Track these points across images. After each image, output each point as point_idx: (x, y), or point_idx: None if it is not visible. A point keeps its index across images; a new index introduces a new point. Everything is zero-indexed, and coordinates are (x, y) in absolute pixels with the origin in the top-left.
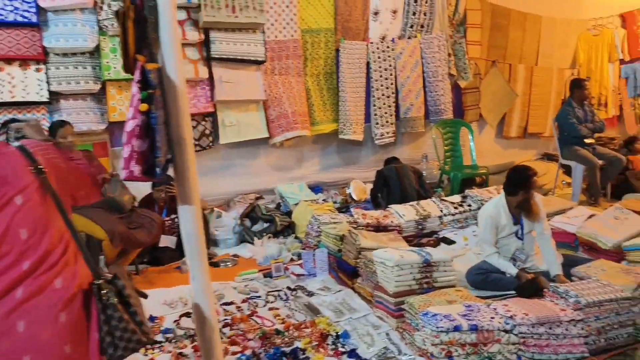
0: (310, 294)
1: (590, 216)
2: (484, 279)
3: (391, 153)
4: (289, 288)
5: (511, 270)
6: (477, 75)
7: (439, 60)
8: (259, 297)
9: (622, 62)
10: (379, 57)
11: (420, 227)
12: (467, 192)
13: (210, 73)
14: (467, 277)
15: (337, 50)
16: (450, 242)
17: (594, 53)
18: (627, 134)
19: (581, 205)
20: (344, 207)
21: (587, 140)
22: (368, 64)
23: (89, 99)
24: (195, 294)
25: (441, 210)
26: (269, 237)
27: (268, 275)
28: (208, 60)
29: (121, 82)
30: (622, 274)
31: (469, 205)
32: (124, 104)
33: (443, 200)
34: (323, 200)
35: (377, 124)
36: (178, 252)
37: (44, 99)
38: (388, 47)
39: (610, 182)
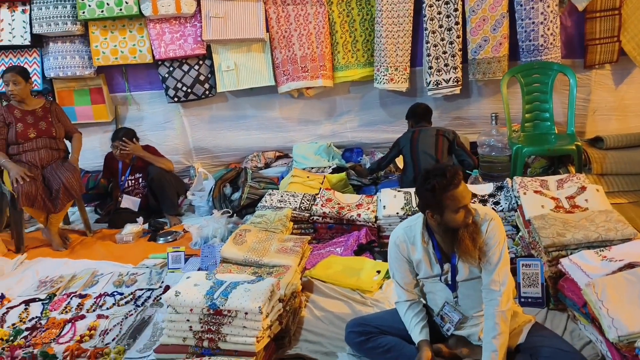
0: None
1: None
2: (363, 342)
3: (460, 107)
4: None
5: (415, 335)
6: None
7: None
8: (116, 294)
9: None
10: None
11: None
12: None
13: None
14: (346, 336)
15: None
16: None
17: None
18: None
19: None
20: (383, 178)
21: None
22: None
23: (78, 42)
24: None
25: None
26: (223, 213)
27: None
28: None
29: (107, 21)
30: None
31: (497, 203)
32: (109, 47)
33: None
34: (331, 169)
35: (430, 68)
36: (138, 214)
37: (27, 42)
38: None
39: None
